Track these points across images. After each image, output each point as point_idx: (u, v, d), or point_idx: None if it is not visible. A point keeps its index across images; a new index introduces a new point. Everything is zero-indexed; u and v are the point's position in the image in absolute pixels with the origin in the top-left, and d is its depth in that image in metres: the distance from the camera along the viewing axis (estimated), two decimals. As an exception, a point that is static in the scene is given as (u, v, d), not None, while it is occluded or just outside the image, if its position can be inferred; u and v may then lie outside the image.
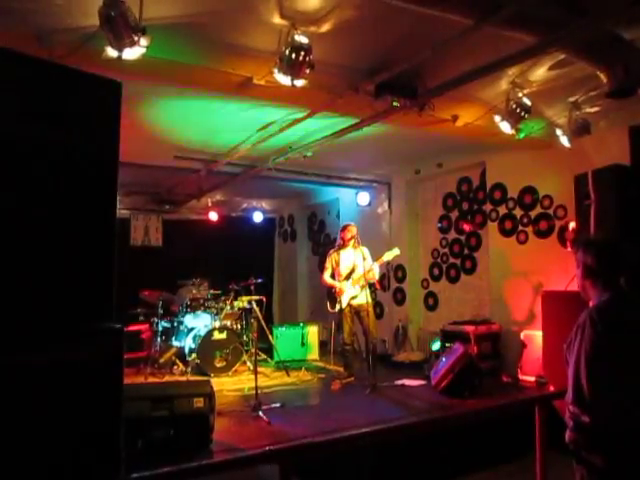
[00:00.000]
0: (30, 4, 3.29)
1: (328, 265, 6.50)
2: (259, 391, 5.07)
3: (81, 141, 2.03)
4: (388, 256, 6.28)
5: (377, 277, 6.38)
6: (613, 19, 3.38)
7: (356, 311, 6.26)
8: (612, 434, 2.10)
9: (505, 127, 4.86)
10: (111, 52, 3.23)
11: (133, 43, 3.16)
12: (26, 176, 1.90)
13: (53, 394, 1.88)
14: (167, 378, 6.67)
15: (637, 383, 2.14)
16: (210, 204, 9.85)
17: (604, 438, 2.11)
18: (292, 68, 3.64)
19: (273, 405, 5.08)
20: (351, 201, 9.13)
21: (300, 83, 3.78)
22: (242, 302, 7.64)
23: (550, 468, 3.24)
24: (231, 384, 6.43)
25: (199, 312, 7.47)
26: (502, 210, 6.99)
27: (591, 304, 2.34)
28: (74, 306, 1.99)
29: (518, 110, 4.65)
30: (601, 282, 2.29)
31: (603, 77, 3.85)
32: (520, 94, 4.66)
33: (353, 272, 6.29)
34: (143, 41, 3.20)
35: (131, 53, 3.23)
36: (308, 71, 3.68)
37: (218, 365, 6.92)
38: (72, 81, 2.06)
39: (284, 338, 8.10)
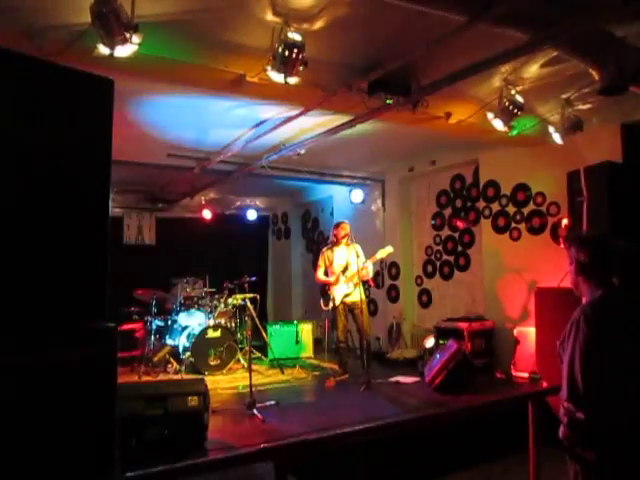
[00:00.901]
0: (20, 1, 3.27)
1: (321, 263, 6.51)
2: (253, 389, 5.07)
3: (72, 139, 2.02)
4: (381, 254, 6.29)
5: (371, 275, 6.39)
6: (605, 17, 3.39)
7: (350, 308, 6.27)
8: (606, 430, 2.12)
9: (498, 124, 4.88)
10: (103, 49, 3.21)
11: (125, 40, 3.14)
12: (15, 175, 1.88)
13: (44, 394, 1.87)
14: (161, 377, 6.66)
15: (631, 380, 2.15)
16: (204, 202, 9.83)
17: (598, 434, 2.13)
18: (285, 65, 3.63)
19: (267, 403, 5.09)
20: (345, 199, 9.13)
21: (293, 81, 3.77)
22: (236, 300, 7.62)
23: (543, 464, 3.25)
24: (225, 382, 6.43)
25: (193, 310, 7.45)
26: (495, 207, 7.01)
27: (584, 301, 2.35)
28: (66, 305, 1.98)
29: (511, 107, 4.67)
30: (594, 279, 2.29)
31: (595, 74, 3.87)
32: (513, 91, 4.68)
33: (346, 269, 6.30)
34: (135, 38, 3.18)
35: (123, 50, 3.21)
36: (301, 68, 3.68)
37: (212, 363, 6.91)
38: (63, 79, 2.04)
39: (278, 336, 8.11)
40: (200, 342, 6.90)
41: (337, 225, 6.52)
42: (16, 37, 3.41)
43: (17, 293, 1.87)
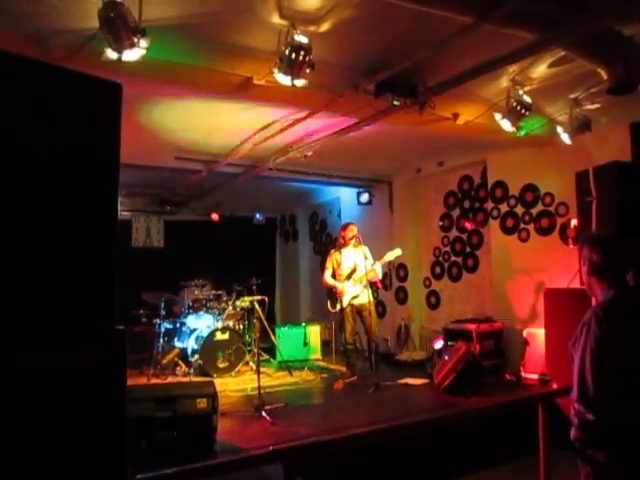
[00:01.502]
0: (29, 6, 3.29)
1: (329, 265, 6.49)
2: (262, 391, 5.07)
3: (82, 143, 2.03)
4: (390, 256, 6.28)
5: (380, 277, 6.37)
6: (613, 15, 3.37)
7: (358, 310, 6.26)
8: (617, 432, 2.10)
9: (506, 125, 4.87)
10: (111, 54, 3.23)
11: (133, 45, 3.16)
12: (27, 178, 1.90)
13: (56, 396, 1.88)
14: (170, 379, 6.68)
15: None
16: (211, 205, 9.85)
17: (609, 436, 2.11)
18: (292, 68, 3.64)
19: (276, 405, 5.09)
20: (352, 200, 9.12)
21: (300, 83, 3.78)
22: (244, 302, 7.64)
23: (554, 466, 3.23)
24: (234, 384, 6.44)
25: (201, 313, 7.47)
26: (503, 208, 6.98)
27: (596, 301, 2.33)
28: (76, 308, 1.99)
29: (519, 108, 4.65)
30: (607, 279, 2.27)
31: (603, 74, 3.85)
32: (521, 91, 4.66)
33: (354, 272, 6.29)
34: (143, 42, 3.20)
35: (131, 55, 3.23)
36: (308, 71, 3.69)
37: (221, 366, 6.93)
38: (72, 83, 2.06)
39: (286, 338, 8.11)
40: (208, 344, 6.92)
41: (345, 227, 6.51)
42: (24, 42, 3.44)
43: (27, 296, 1.88)
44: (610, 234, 2.79)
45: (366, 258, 6.20)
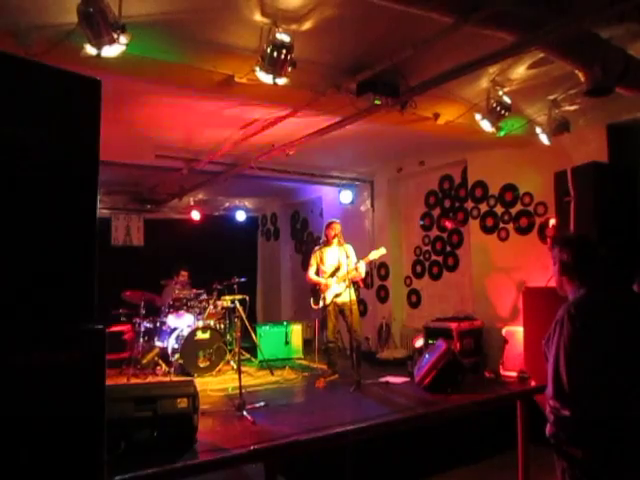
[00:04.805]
0: (5, 0, 3.23)
1: (313, 262, 6.50)
2: (243, 390, 5.06)
3: (60, 140, 2.00)
4: (374, 255, 6.29)
5: (363, 275, 6.39)
6: (591, 18, 3.42)
7: (340, 309, 6.27)
8: (591, 427, 2.14)
9: (486, 125, 4.92)
10: (90, 50, 3.19)
11: (112, 41, 3.12)
12: (1, 175, 1.86)
13: (32, 397, 1.86)
14: (150, 379, 6.62)
15: (615, 376, 2.17)
16: (192, 203, 9.80)
17: (584, 431, 2.15)
18: (274, 66, 3.64)
19: (257, 404, 5.08)
20: (334, 199, 9.14)
21: (282, 81, 3.78)
22: (225, 301, 7.60)
23: (532, 462, 3.28)
24: (215, 384, 6.41)
25: (182, 312, 7.42)
26: (483, 207, 7.06)
27: (568, 300, 2.38)
28: (54, 307, 1.97)
29: (498, 108, 4.71)
30: (577, 278, 2.33)
31: (581, 76, 3.90)
32: (500, 92, 4.72)
33: (338, 270, 6.30)
34: (123, 39, 3.16)
35: (110, 51, 3.19)
36: (290, 69, 3.68)
37: (202, 365, 6.89)
38: (50, 79, 2.03)
39: (268, 337, 8.09)
40: (189, 344, 6.87)
41: (328, 225, 6.53)
42: (1, 36, 3.38)
43: (3, 294, 1.85)
44: (579, 235, 2.86)
45: (349, 257, 6.22)
